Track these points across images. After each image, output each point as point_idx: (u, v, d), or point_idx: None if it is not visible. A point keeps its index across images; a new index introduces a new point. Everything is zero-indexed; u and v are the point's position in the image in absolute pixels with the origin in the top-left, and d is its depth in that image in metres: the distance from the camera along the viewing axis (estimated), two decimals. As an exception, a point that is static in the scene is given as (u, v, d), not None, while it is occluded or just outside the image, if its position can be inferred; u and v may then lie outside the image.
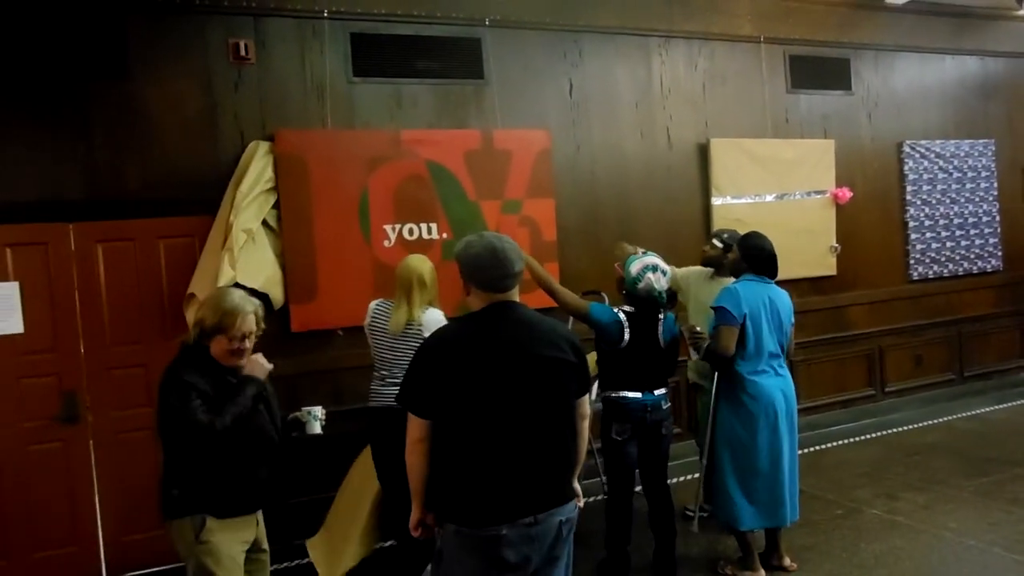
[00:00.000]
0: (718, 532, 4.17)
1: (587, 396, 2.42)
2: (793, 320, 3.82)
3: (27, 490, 4.00)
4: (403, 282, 3.69)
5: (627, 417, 3.63)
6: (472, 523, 2.15)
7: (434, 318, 3.58)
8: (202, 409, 2.46)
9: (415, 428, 2.23)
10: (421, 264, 3.72)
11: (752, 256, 3.75)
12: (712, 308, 3.73)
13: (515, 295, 2.29)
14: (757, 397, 3.62)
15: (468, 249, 2.29)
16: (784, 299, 3.78)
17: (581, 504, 2.44)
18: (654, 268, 3.61)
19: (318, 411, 2.90)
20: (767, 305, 3.68)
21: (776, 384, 3.68)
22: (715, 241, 4.43)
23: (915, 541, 4.08)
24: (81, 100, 4.11)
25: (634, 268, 3.64)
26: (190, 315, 3.86)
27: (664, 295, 3.66)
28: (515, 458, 2.17)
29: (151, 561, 4.14)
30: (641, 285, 3.60)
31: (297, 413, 2.91)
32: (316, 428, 2.83)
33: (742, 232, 4.54)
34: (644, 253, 3.72)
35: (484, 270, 2.24)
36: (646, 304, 3.65)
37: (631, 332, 3.63)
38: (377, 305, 3.80)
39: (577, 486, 2.46)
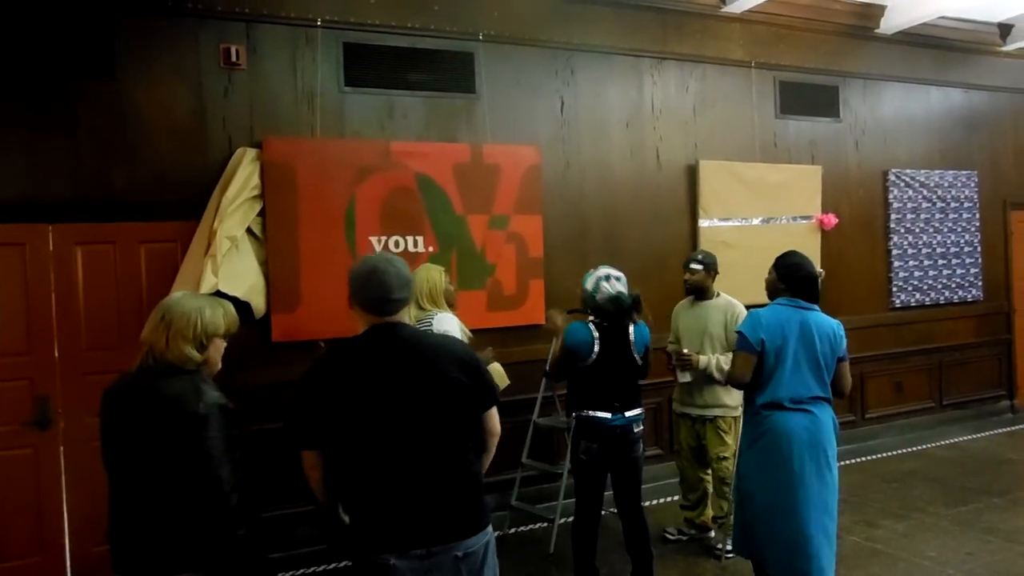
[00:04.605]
0: (695, 555, 4.15)
1: (494, 411, 2.31)
2: (844, 353, 3.34)
3: (-7, 497, 3.90)
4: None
5: (595, 437, 3.54)
6: (363, 550, 2.09)
7: (444, 319, 3.58)
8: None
9: (305, 458, 2.20)
10: (419, 271, 3.73)
11: (787, 276, 3.36)
12: (736, 332, 3.47)
13: (401, 317, 2.23)
14: (771, 433, 3.24)
15: (354, 267, 2.25)
16: (827, 327, 3.30)
17: None
18: (607, 277, 3.60)
19: None
20: (798, 332, 3.26)
21: (799, 422, 3.21)
22: (693, 265, 4.40)
23: (894, 569, 4.07)
24: (66, 99, 4.05)
25: (589, 283, 3.63)
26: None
27: (624, 295, 3.57)
28: (402, 485, 2.09)
29: (119, 573, 4.04)
30: (600, 296, 3.57)
31: None
32: None
33: (718, 255, 4.57)
34: (597, 268, 3.68)
35: (362, 291, 2.19)
36: (613, 317, 3.59)
37: (601, 346, 3.56)
38: None
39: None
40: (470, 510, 2.17)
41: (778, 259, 3.46)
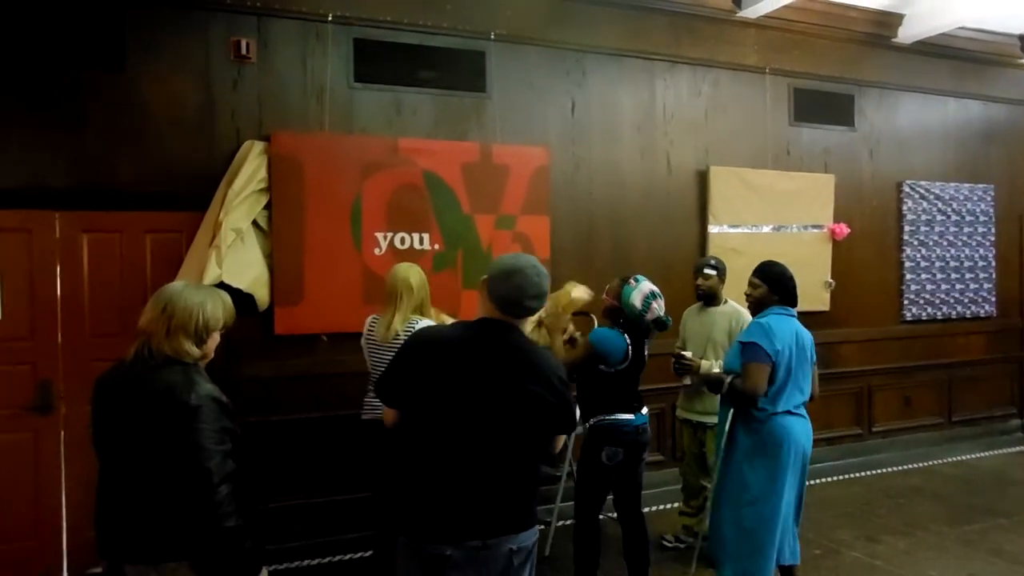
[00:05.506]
0: (691, 563, 4.10)
1: (563, 437, 2.36)
2: (815, 358, 3.53)
3: (-9, 480, 3.92)
4: (391, 291, 3.67)
5: (620, 442, 3.52)
6: (419, 539, 2.12)
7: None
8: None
9: (387, 413, 2.36)
10: (408, 271, 3.70)
11: (781, 286, 3.46)
12: (741, 343, 3.43)
13: (520, 323, 2.25)
14: (782, 440, 3.32)
15: (502, 258, 2.29)
16: (807, 335, 3.48)
17: None
18: (654, 295, 3.51)
19: None
20: (795, 341, 3.38)
21: (802, 427, 3.39)
22: (707, 271, 4.38)
23: (893, 586, 4.02)
24: (76, 89, 4.07)
25: (637, 300, 3.49)
26: None
27: (668, 318, 3.57)
28: (468, 479, 2.12)
29: (114, 560, 4.05)
30: (649, 316, 3.49)
31: None
32: None
33: (727, 261, 4.53)
34: (637, 280, 3.56)
35: (497, 284, 2.21)
36: (646, 330, 3.58)
37: (632, 352, 3.54)
38: (372, 319, 3.79)
39: None
40: (526, 507, 2.22)
41: (765, 270, 3.51)
